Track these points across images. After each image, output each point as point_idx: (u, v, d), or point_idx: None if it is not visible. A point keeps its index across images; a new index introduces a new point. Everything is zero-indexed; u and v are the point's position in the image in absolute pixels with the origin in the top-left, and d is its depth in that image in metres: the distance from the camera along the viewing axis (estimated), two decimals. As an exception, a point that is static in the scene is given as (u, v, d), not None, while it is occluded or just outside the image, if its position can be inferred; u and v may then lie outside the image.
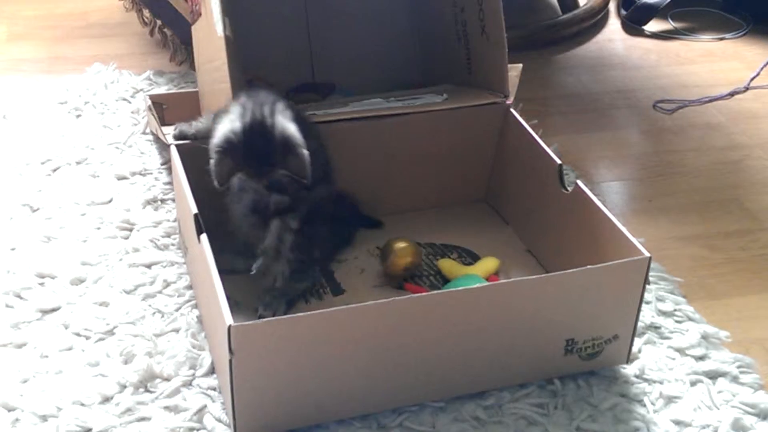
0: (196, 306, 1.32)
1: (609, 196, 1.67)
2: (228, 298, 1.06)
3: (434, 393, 1.18)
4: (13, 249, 1.42)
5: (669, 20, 2.37)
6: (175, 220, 1.49)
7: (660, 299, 1.38)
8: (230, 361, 1.04)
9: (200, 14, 1.46)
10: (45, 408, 1.14)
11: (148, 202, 1.54)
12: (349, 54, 1.77)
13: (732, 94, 2.03)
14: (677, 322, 1.35)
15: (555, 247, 1.40)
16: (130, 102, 1.84)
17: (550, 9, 2.36)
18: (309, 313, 1.08)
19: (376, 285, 1.38)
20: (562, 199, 1.35)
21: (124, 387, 1.18)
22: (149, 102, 1.61)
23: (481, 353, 1.16)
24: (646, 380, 1.24)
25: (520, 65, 1.55)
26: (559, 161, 1.36)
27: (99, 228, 1.48)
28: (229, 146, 1.17)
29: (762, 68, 2.13)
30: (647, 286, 1.21)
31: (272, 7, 1.73)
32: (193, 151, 1.34)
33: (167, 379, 1.20)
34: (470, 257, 1.43)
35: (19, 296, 1.33)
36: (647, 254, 1.17)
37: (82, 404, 1.16)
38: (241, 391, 1.08)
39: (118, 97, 1.85)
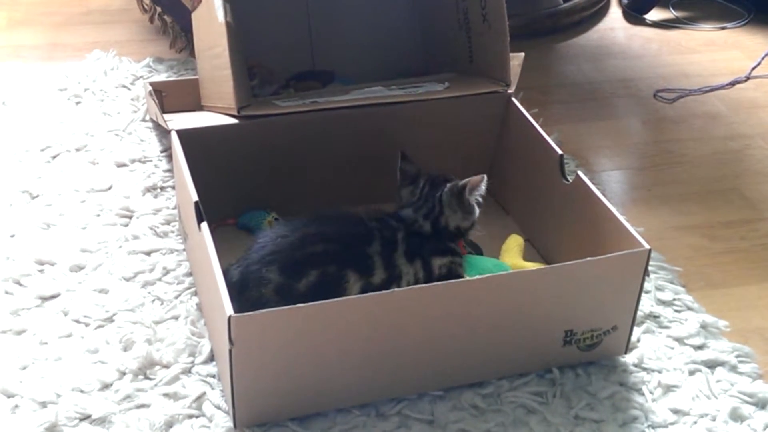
0: (195, 293, 1.32)
1: (609, 185, 1.67)
2: (227, 286, 1.06)
3: (433, 383, 1.18)
4: (12, 236, 1.42)
5: (670, 9, 2.36)
6: (174, 208, 1.49)
7: (659, 288, 1.38)
8: (230, 351, 1.04)
9: (200, 1, 1.46)
10: (44, 395, 1.15)
11: (148, 190, 1.54)
12: (349, 42, 1.76)
13: (733, 84, 2.02)
14: (676, 311, 1.35)
15: (555, 237, 1.40)
16: (129, 89, 1.83)
17: (552, -3, 2.35)
18: (308, 304, 1.08)
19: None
20: (563, 189, 1.35)
21: (123, 374, 1.19)
22: (149, 88, 1.60)
23: (480, 344, 1.16)
24: (644, 369, 1.24)
25: (522, 54, 1.54)
26: (560, 151, 1.36)
27: (98, 215, 1.48)
28: None
29: (763, 58, 2.12)
30: (646, 277, 1.21)
31: (273, -6, 1.73)
32: (194, 138, 1.34)
33: (166, 366, 1.20)
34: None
35: (18, 283, 1.33)
36: (647, 246, 1.16)
37: (82, 391, 1.16)
38: (240, 380, 1.08)
39: (118, 84, 1.85)
